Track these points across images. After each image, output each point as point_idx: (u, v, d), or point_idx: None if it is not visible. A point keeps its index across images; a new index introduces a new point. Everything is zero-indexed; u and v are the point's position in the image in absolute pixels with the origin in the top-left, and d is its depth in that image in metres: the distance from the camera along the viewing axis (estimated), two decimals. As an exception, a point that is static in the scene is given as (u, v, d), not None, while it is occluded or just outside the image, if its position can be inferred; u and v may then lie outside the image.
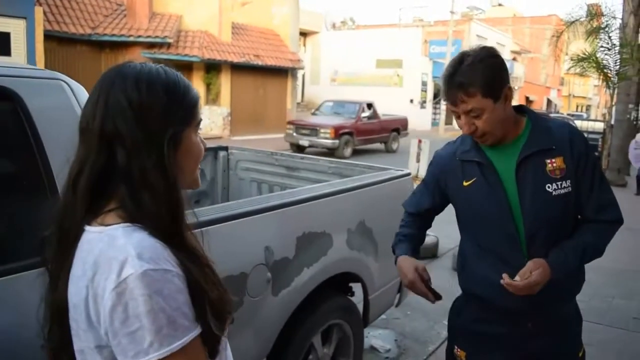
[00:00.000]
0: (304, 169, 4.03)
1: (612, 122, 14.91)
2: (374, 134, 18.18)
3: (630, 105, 14.85)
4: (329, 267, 2.60)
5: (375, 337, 3.99)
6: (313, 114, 19.06)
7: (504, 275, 1.67)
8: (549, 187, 1.73)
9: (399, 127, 19.82)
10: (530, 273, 1.66)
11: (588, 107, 61.62)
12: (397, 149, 19.04)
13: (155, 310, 0.86)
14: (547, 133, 1.77)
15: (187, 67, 18.22)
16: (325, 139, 15.84)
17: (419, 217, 2.12)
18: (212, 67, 19.72)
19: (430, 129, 30.67)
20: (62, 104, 1.72)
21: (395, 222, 3.17)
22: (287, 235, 2.36)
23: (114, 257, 0.89)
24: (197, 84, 18.61)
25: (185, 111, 1.02)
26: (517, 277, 1.67)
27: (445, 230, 2.55)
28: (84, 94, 1.77)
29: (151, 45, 17.80)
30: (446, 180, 1.95)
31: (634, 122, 15.04)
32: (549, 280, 1.70)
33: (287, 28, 23.69)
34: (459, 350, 2.02)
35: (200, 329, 0.93)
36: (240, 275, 2.07)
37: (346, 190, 2.77)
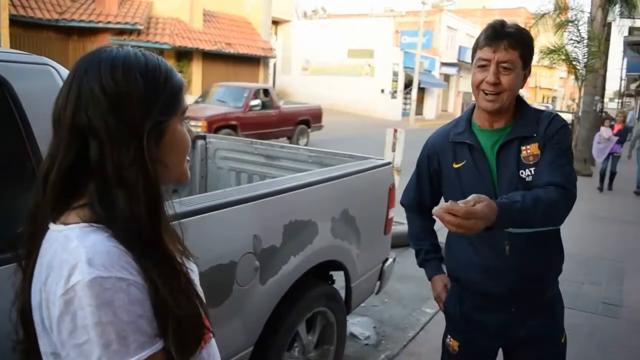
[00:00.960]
0: (283, 158, 4.02)
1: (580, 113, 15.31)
2: (270, 127, 14.30)
3: (597, 97, 15.25)
4: (315, 255, 2.62)
5: (354, 324, 4.03)
6: (196, 102, 14.75)
7: (449, 202, 1.46)
8: (522, 173, 1.76)
9: (308, 119, 15.78)
10: (475, 204, 1.47)
11: (554, 99, 62.85)
12: (306, 145, 15.01)
13: (103, 323, 0.78)
14: (533, 122, 1.81)
15: (157, 54, 17.90)
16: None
17: (421, 214, 2.12)
18: (183, 55, 19.49)
19: (400, 119, 30.87)
20: (50, 90, 1.67)
21: (376, 210, 3.23)
22: (275, 223, 2.36)
23: (65, 261, 0.82)
24: (168, 72, 18.31)
25: (167, 99, 0.93)
26: (460, 203, 1.45)
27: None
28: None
29: (121, 32, 17.49)
30: (439, 160, 1.96)
31: (600, 114, 15.45)
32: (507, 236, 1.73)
33: (259, 16, 23.54)
34: (451, 340, 2.05)
35: (162, 344, 0.85)
36: (230, 263, 2.07)
37: (332, 178, 2.78)
